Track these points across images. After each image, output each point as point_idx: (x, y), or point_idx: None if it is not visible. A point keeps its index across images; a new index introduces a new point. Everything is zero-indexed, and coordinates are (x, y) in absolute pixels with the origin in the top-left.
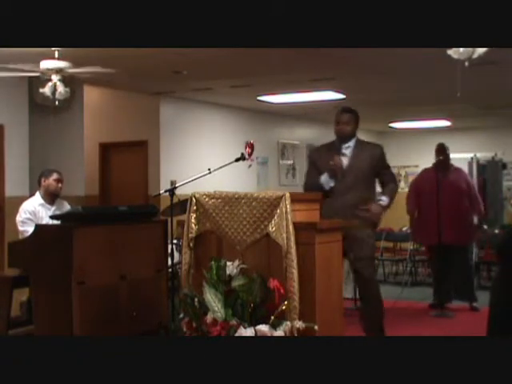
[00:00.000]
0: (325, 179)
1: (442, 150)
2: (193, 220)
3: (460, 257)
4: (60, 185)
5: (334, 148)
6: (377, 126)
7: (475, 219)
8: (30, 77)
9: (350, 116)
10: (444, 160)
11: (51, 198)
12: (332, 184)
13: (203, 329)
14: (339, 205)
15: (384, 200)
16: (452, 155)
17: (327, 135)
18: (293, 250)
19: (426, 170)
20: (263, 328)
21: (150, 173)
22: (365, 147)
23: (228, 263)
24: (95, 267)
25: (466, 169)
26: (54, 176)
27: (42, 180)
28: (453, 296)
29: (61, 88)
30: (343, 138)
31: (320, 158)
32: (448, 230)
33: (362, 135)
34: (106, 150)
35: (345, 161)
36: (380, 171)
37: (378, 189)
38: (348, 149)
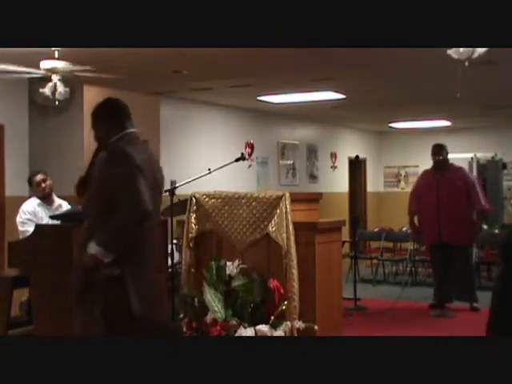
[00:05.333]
0: None
1: (437, 151)
2: (193, 220)
3: (461, 256)
4: (46, 183)
5: None
6: (377, 126)
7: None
8: (30, 77)
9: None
10: (442, 160)
11: (45, 198)
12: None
13: (203, 329)
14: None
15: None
16: (452, 155)
17: (326, 135)
18: (293, 250)
19: (425, 172)
20: (263, 328)
21: None
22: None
23: (228, 263)
24: None
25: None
26: (38, 178)
27: (32, 184)
28: (453, 296)
29: (61, 88)
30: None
31: None
32: (449, 229)
33: (361, 135)
34: None
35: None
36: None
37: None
38: None
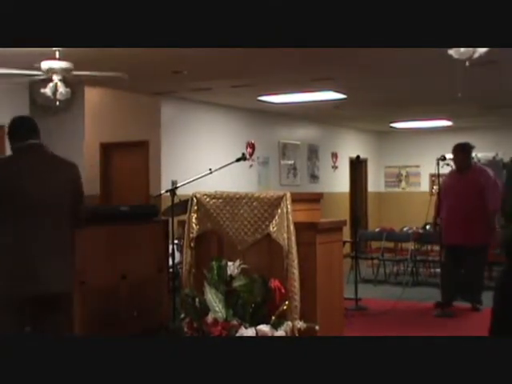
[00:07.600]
0: None
1: (456, 151)
2: (194, 220)
3: (475, 258)
4: None
5: None
6: (377, 126)
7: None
8: (31, 75)
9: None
10: (462, 160)
11: None
12: None
13: (204, 329)
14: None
15: None
16: (451, 155)
17: (327, 135)
18: (294, 250)
19: (449, 172)
20: (264, 328)
21: (151, 173)
22: None
23: (229, 263)
24: (96, 267)
25: None
26: None
27: None
28: (458, 296)
29: (61, 88)
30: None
31: None
32: (466, 231)
33: (362, 135)
34: (107, 150)
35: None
36: None
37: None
38: None
